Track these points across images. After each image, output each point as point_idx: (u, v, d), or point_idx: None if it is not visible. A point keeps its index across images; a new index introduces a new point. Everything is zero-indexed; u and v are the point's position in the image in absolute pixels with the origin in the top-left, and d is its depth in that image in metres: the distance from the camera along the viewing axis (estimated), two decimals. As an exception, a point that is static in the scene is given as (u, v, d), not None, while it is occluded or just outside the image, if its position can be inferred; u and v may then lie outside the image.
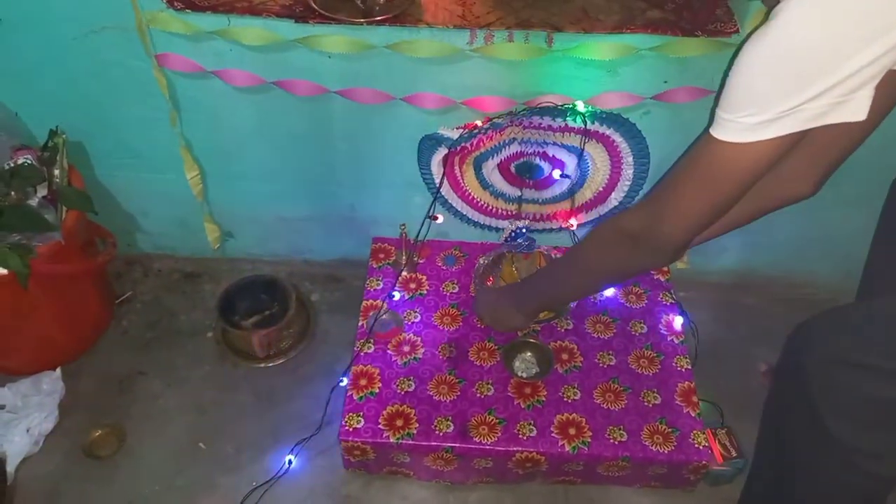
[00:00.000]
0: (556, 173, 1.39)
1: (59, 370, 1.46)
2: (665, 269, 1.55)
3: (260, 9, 1.21)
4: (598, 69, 1.25)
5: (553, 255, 1.49)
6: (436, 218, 1.45)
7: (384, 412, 1.30)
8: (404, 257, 1.51)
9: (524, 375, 1.35)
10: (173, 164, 1.44)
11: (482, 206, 1.50)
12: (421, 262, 1.55)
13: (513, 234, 1.52)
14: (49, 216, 1.28)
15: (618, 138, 1.31)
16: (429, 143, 1.35)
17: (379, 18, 1.19)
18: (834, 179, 1.04)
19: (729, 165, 0.81)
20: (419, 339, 1.41)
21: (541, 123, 1.28)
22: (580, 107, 1.25)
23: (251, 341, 1.51)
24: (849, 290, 1.21)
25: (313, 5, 1.21)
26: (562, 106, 1.25)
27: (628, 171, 1.36)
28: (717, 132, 0.79)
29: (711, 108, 0.80)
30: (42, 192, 1.33)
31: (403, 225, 1.47)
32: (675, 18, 1.23)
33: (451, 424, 1.29)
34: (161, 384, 1.51)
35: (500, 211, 1.51)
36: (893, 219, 1.04)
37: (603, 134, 1.30)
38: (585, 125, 1.27)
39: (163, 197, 1.55)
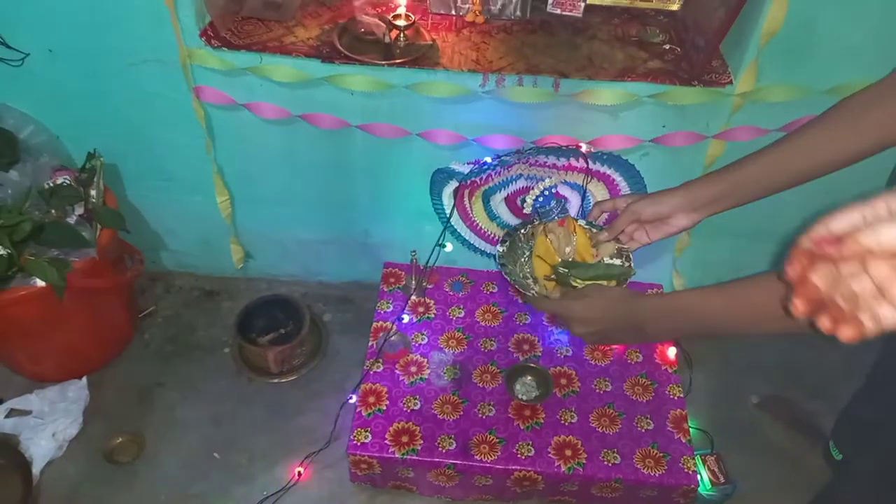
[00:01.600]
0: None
1: (84, 379, 1.54)
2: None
3: (290, 48, 1.31)
4: (600, 113, 1.35)
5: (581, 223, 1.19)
6: (445, 246, 1.53)
7: (391, 428, 1.37)
8: (414, 282, 1.59)
9: (524, 398, 1.42)
10: (202, 188, 1.54)
11: (489, 236, 1.58)
12: (429, 287, 1.63)
13: (540, 198, 1.26)
14: (85, 233, 1.37)
15: (618, 178, 1.39)
16: (441, 176, 1.44)
17: (399, 61, 1.29)
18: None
19: None
20: (426, 360, 1.49)
21: (546, 162, 1.37)
22: (583, 148, 1.34)
23: (266, 357, 1.58)
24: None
25: (339, 47, 1.31)
26: (566, 147, 1.34)
27: (627, 209, 1.44)
28: None
29: None
30: (79, 210, 1.42)
31: (414, 251, 1.55)
32: (673, 69, 1.33)
33: (454, 442, 1.36)
34: (179, 396, 1.58)
35: (506, 241, 1.59)
36: None
37: (604, 173, 1.39)
38: (588, 165, 1.36)
39: (190, 218, 1.65)
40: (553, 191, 1.26)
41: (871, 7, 1.18)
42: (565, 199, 1.20)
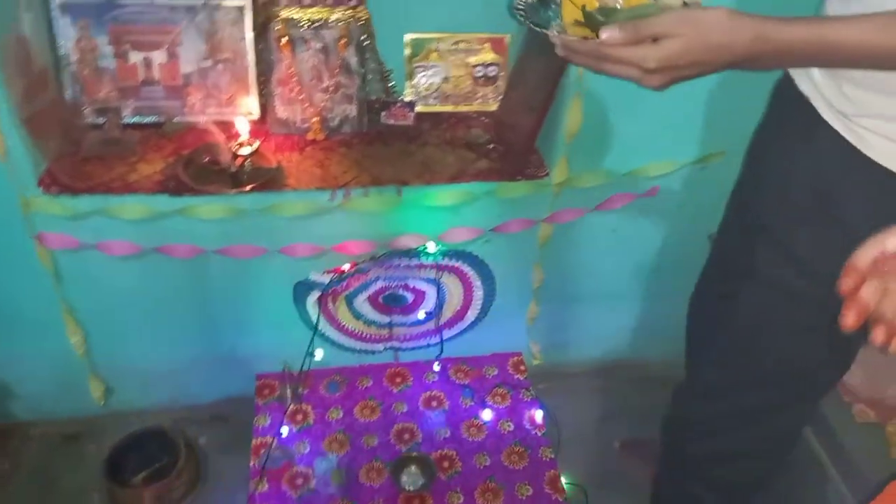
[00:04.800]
0: (422, 314, 1.60)
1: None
2: (523, 367, 1.77)
3: (135, 186, 1.32)
4: (443, 211, 1.48)
5: None
6: (314, 355, 1.57)
7: (284, 546, 1.37)
8: (289, 391, 1.61)
9: (412, 489, 1.48)
10: (52, 332, 1.48)
11: (357, 334, 1.66)
12: (305, 392, 1.66)
13: None
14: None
15: (466, 268, 1.53)
16: (302, 288, 1.50)
17: (248, 187, 1.35)
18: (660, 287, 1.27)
19: None
20: (311, 469, 1.50)
21: (399, 263, 1.48)
22: (431, 248, 1.46)
23: (142, 497, 1.52)
24: (675, 365, 1.52)
25: (185, 179, 1.34)
26: (415, 249, 1.45)
27: (478, 294, 1.59)
28: None
29: None
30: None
31: (285, 363, 1.58)
32: (498, 167, 1.49)
33: (349, 547, 1.38)
34: (48, 556, 1.48)
35: (373, 336, 1.67)
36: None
37: (453, 266, 1.52)
38: (437, 263, 1.48)
39: (41, 362, 1.56)
40: None
41: (649, 105, 1.42)
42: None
